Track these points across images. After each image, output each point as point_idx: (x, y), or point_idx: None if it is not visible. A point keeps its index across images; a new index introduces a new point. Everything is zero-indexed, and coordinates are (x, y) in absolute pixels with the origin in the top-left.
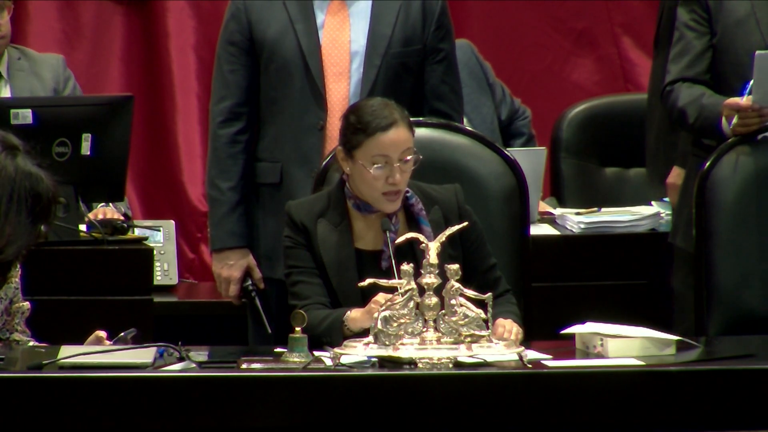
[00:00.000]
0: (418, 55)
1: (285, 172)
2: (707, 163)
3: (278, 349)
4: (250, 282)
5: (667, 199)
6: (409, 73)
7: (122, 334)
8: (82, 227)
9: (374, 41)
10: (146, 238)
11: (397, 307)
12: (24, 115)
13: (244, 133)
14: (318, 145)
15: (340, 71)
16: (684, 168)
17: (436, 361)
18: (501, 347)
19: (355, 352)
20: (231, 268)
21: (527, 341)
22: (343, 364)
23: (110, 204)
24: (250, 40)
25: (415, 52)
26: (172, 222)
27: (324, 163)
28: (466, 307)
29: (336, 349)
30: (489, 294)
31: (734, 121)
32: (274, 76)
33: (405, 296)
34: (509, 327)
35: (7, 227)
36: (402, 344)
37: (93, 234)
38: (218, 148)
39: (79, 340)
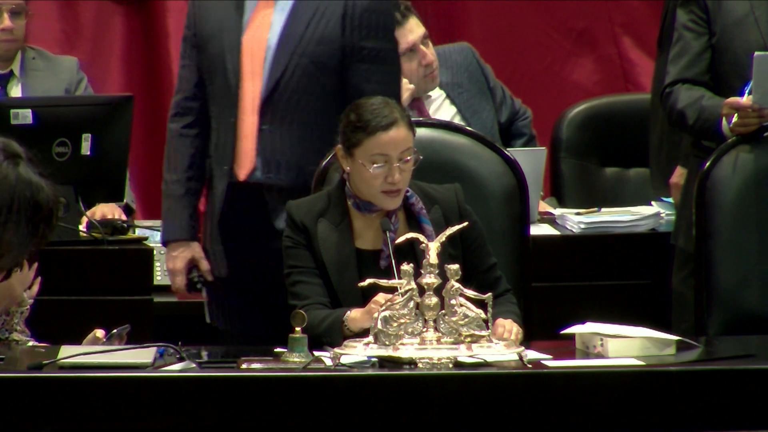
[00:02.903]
0: (335, 54)
1: (212, 170)
2: (707, 163)
3: (278, 349)
4: (196, 274)
5: (668, 198)
6: (327, 73)
7: (115, 330)
8: (82, 227)
9: (285, 39)
10: (146, 238)
11: (397, 307)
12: (24, 115)
13: (192, 128)
14: (231, 143)
15: (256, 70)
16: (687, 168)
17: (436, 361)
18: (501, 347)
19: (355, 352)
20: (175, 260)
21: (527, 341)
22: (343, 364)
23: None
24: (195, 36)
25: (331, 50)
26: None
27: (324, 162)
28: (466, 307)
29: (336, 349)
30: (489, 294)
31: (734, 120)
32: (205, 73)
33: (405, 296)
34: (509, 327)
35: (5, 236)
36: (402, 344)
37: (93, 234)
38: (168, 142)
39: (79, 340)
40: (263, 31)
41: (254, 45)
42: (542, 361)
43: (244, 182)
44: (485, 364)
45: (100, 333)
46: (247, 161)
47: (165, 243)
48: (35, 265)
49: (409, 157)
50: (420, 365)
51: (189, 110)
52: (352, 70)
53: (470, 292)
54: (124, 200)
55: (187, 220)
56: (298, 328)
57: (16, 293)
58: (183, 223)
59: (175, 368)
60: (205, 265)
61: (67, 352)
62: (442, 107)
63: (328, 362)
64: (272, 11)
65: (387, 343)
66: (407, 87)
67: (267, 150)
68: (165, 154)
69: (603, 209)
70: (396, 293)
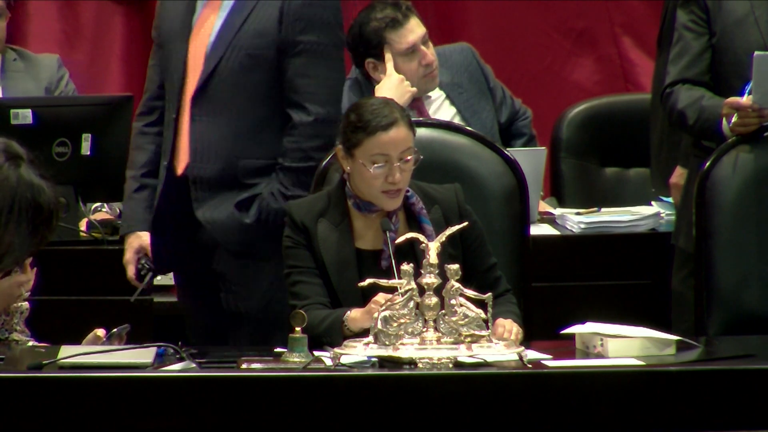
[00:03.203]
0: (271, 48)
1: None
2: (707, 163)
3: (278, 349)
4: (144, 261)
5: (668, 198)
6: (262, 66)
7: (115, 330)
8: (82, 227)
9: (222, 34)
10: None
11: (397, 307)
12: (24, 115)
13: (153, 126)
14: (170, 139)
15: (197, 65)
16: (687, 168)
17: (436, 361)
18: (501, 347)
19: (355, 352)
20: (126, 251)
21: (527, 341)
22: (343, 364)
23: (105, 205)
24: (159, 36)
25: (266, 44)
26: None
27: (324, 162)
28: (466, 307)
29: (336, 349)
30: (489, 294)
31: (734, 119)
32: (163, 73)
33: (405, 296)
34: (509, 327)
35: (6, 237)
36: (402, 344)
37: (93, 234)
38: (131, 139)
39: (79, 340)
40: (207, 30)
41: (198, 44)
42: (542, 361)
43: (181, 176)
44: (485, 364)
45: (100, 332)
46: (184, 156)
47: (121, 238)
48: (35, 269)
49: (409, 157)
50: (420, 365)
51: (153, 109)
52: (288, 64)
53: (470, 292)
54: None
55: (140, 213)
56: (298, 328)
57: (15, 293)
58: (135, 216)
59: (175, 368)
60: (148, 250)
61: (67, 352)
62: (442, 107)
63: (328, 362)
64: (217, 11)
65: (387, 343)
66: (408, 89)
67: (197, 141)
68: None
69: (603, 209)
70: (396, 293)
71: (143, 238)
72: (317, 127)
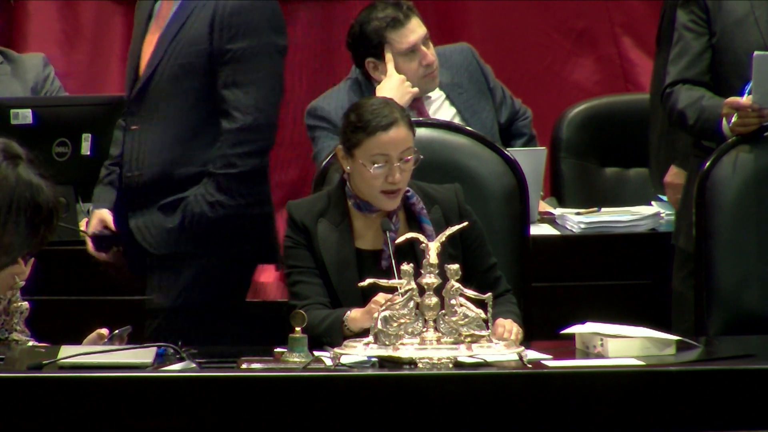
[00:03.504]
0: (203, 56)
1: None
2: (707, 163)
3: (278, 349)
4: (104, 233)
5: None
6: (195, 75)
7: (117, 331)
8: (83, 227)
9: (161, 41)
10: None
11: (397, 307)
12: (24, 115)
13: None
14: (119, 144)
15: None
16: (682, 168)
17: (436, 361)
18: (501, 347)
19: (355, 352)
20: (89, 226)
21: (527, 341)
22: (343, 364)
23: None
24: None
25: (198, 53)
26: None
27: (324, 162)
28: (466, 307)
29: (336, 349)
30: (489, 294)
31: (734, 119)
32: None
33: (405, 296)
34: (509, 327)
35: (5, 237)
36: (402, 344)
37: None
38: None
39: (79, 340)
40: (154, 35)
41: (147, 48)
42: (542, 361)
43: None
44: (485, 364)
45: (104, 331)
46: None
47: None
48: (31, 260)
49: (409, 157)
50: (420, 365)
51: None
52: (219, 72)
53: (470, 292)
54: None
55: (106, 194)
56: (298, 328)
57: (9, 282)
58: (102, 197)
59: (175, 368)
60: (110, 224)
61: (67, 352)
62: (441, 108)
63: (328, 362)
64: (168, 14)
65: (387, 343)
66: (409, 90)
67: (133, 149)
68: None
69: (603, 209)
70: (396, 293)
71: (99, 212)
72: (242, 135)
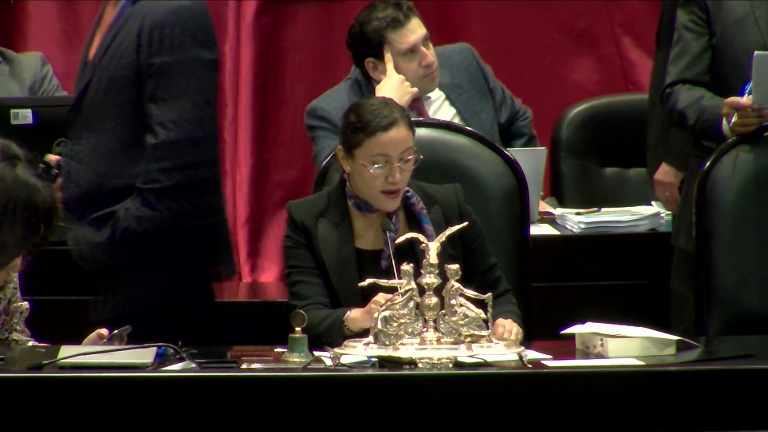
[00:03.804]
0: (130, 71)
1: None
2: (707, 163)
3: (278, 349)
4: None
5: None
6: (124, 89)
7: (116, 331)
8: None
9: (96, 54)
10: None
11: (397, 307)
12: (24, 115)
13: None
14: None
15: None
16: (673, 166)
17: (436, 361)
18: (501, 347)
19: (355, 352)
20: None
21: (527, 341)
22: (343, 364)
23: None
24: None
25: (126, 66)
26: None
27: (324, 162)
28: (466, 307)
29: (336, 349)
30: (489, 294)
31: (733, 119)
32: None
33: (405, 296)
34: (509, 327)
35: (1, 238)
36: (402, 344)
37: None
38: None
39: (79, 340)
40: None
41: (92, 54)
42: (542, 361)
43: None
44: (485, 364)
45: (104, 331)
46: None
47: None
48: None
49: (409, 157)
50: (420, 365)
51: None
52: (145, 87)
53: (470, 292)
54: None
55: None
56: (298, 328)
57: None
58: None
59: (175, 368)
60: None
61: (67, 352)
62: (441, 108)
63: (328, 362)
64: (110, 19)
65: (387, 343)
66: (408, 90)
67: (69, 163)
68: None
69: (603, 209)
70: (396, 293)
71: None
72: (162, 150)
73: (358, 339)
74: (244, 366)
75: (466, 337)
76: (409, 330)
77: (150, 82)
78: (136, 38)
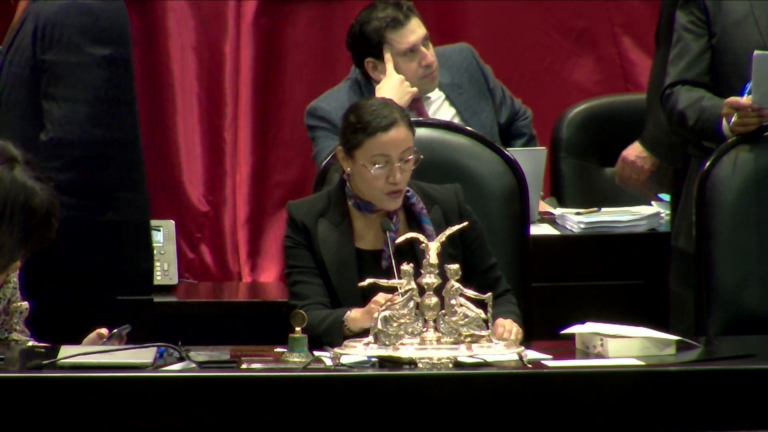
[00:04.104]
0: (28, 67)
1: None
2: (707, 163)
3: (278, 349)
4: None
5: (666, 197)
6: (24, 86)
7: (116, 330)
8: None
9: (3, 50)
10: None
11: (397, 307)
12: None
13: None
14: None
15: None
16: (645, 147)
17: (436, 361)
18: (501, 347)
19: (355, 352)
20: None
21: (527, 341)
22: (343, 364)
23: None
24: None
25: (25, 62)
26: (172, 222)
27: (324, 162)
28: (466, 307)
29: (336, 349)
30: (489, 294)
31: (733, 119)
32: None
33: (405, 296)
34: (509, 327)
35: None
36: (402, 344)
37: None
38: None
39: (79, 340)
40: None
41: None
42: (542, 361)
43: None
44: (485, 364)
45: (103, 331)
46: None
47: None
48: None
49: (409, 157)
50: (420, 365)
51: None
52: (40, 84)
53: (470, 292)
54: None
55: None
56: (298, 328)
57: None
58: None
59: (175, 368)
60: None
61: (67, 352)
62: (441, 108)
63: (328, 362)
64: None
65: (387, 343)
66: (408, 90)
67: None
68: None
69: (603, 209)
70: (396, 293)
71: None
72: (50, 148)
73: (358, 339)
74: (244, 366)
75: (466, 337)
76: (409, 330)
77: (43, 79)
78: (32, 35)
